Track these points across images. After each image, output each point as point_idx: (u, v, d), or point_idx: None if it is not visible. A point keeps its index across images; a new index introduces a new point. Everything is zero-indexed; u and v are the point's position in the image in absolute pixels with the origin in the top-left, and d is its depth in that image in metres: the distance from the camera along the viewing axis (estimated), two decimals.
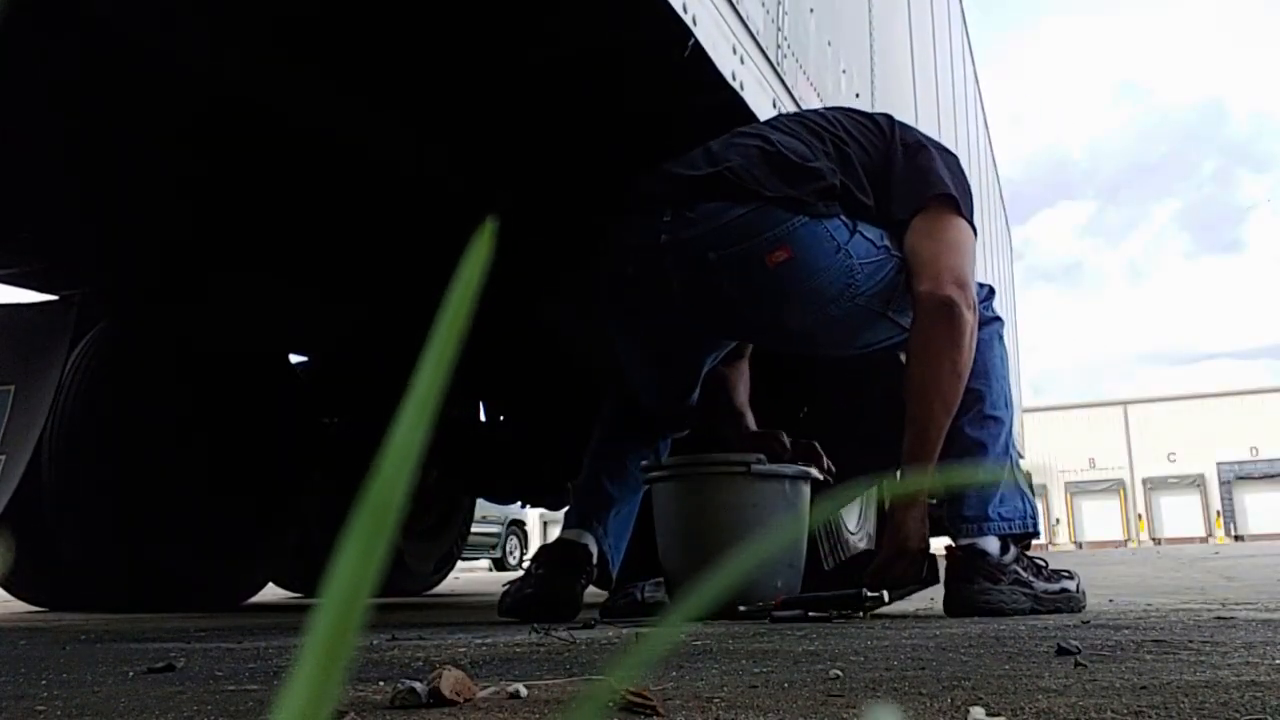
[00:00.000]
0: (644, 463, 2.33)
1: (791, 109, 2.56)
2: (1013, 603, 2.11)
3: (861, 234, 2.15)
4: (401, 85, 2.43)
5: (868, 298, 2.17)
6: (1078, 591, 2.23)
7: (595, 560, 2.34)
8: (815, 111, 2.35)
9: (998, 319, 2.39)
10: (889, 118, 2.34)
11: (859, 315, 2.21)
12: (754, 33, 2.29)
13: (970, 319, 2.11)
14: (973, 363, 2.25)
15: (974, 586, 2.13)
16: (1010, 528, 2.19)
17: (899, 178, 2.20)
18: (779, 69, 2.48)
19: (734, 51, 2.19)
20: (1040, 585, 2.17)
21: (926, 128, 5.28)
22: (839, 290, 2.14)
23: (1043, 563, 2.25)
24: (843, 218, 2.13)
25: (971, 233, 2.22)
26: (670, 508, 2.26)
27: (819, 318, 2.19)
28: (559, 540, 2.38)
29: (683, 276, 2.14)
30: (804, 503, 2.33)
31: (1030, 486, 2.43)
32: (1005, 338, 2.45)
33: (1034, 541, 2.33)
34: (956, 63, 7.27)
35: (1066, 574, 2.26)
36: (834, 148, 2.19)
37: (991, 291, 2.44)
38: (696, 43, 1.98)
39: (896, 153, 2.22)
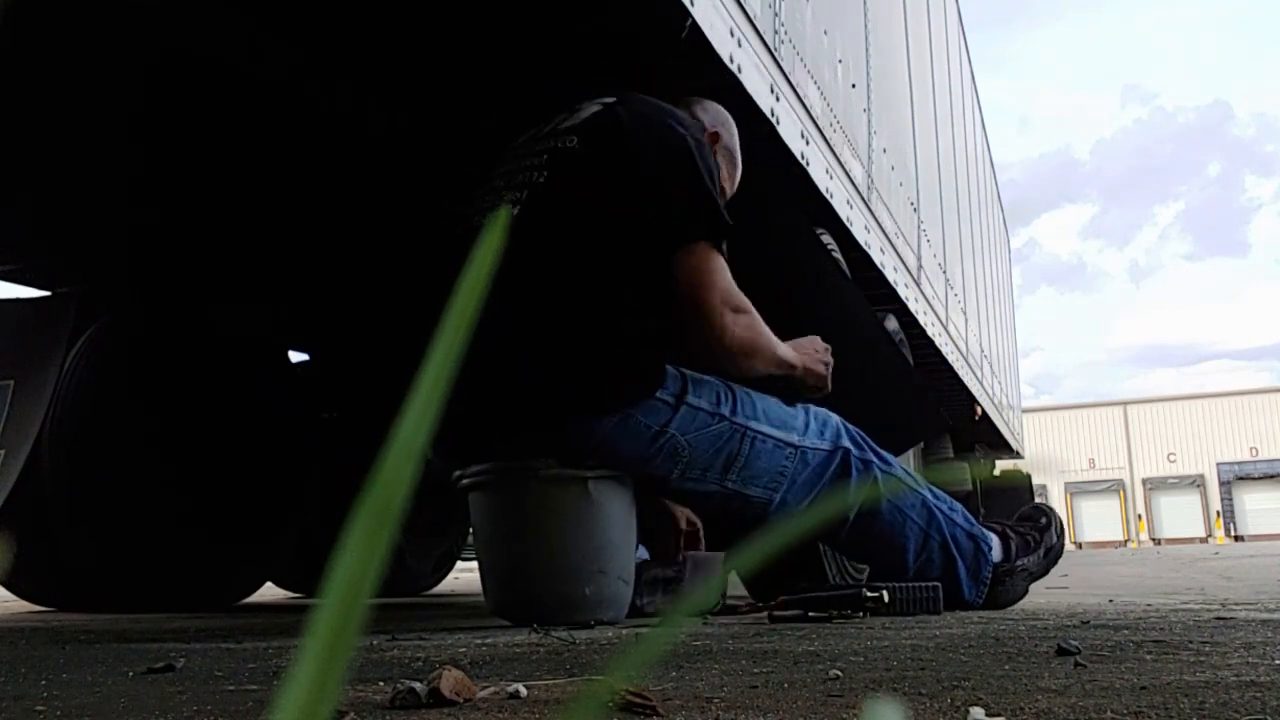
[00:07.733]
0: (457, 472, 2.02)
1: (790, 95, 2.56)
2: (1014, 596, 2.24)
3: (689, 401, 1.93)
4: (409, 76, 2.41)
5: (700, 472, 1.96)
6: (1055, 535, 2.30)
7: None
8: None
9: (860, 447, 2.09)
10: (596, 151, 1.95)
11: (694, 496, 2.04)
12: (751, 16, 2.27)
13: (765, 342, 1.96)
14: (866, 538, 2.12)
15: None
16: (989, 570, 2.18)
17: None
18: (776, 55, 2.46)
19: (731, 35, 2.17)
20: (1032, 561, 2.26)
21: (922, 123, 5.29)
22: (663, 475, 1.96)
23: (1025, 531, 2.30)
24: (660, 395, 1.90)
25: (716, 251, 1.90)
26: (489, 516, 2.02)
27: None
28: None
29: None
30: (608, 506, 1.95)
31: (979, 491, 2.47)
32: (882, 475, 2.11)
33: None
34: (953, 60, 7.27)
35: (1042, 518, 2.33)
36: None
37: (857, 440, 2.11)
38: (694, 23, 1.96)
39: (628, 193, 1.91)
